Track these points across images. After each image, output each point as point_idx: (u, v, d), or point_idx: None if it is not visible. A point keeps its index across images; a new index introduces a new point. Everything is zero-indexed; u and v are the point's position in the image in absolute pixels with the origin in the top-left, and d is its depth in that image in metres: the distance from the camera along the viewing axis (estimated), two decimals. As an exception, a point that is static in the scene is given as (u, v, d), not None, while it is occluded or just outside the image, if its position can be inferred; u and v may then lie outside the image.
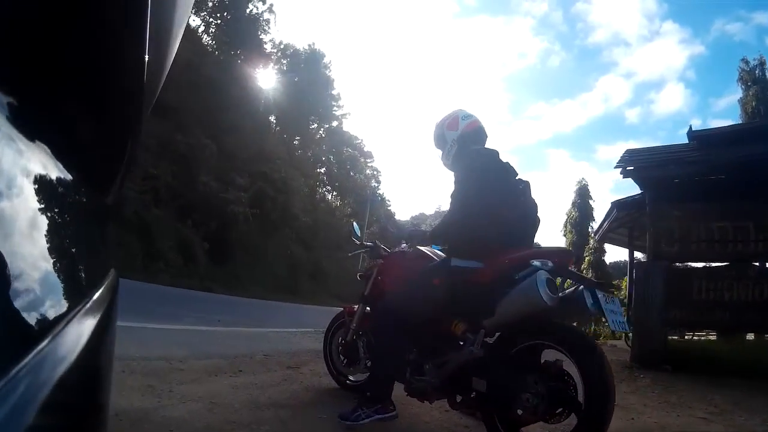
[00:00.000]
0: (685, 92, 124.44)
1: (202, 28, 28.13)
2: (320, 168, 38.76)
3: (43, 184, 0.33)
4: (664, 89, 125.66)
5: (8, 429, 0.22)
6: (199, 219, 16.51)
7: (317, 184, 36.58)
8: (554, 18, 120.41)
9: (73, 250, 0.39)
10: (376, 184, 47.40)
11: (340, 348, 2.99)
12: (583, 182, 24.59)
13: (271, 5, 29.38)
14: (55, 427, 0.28)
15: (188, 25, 25.47)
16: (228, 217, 17.81)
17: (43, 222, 0.31)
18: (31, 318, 0.27)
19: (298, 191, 25.41)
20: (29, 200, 0.30)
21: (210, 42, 28.10)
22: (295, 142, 29.97)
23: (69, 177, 0.38)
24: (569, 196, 25.32)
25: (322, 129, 38.85)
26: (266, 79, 29.75)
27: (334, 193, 42.85)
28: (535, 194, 2.35)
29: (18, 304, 0.26)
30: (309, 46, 35.07)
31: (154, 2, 0.35)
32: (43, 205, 0.32)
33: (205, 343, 4.12)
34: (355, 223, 3.10)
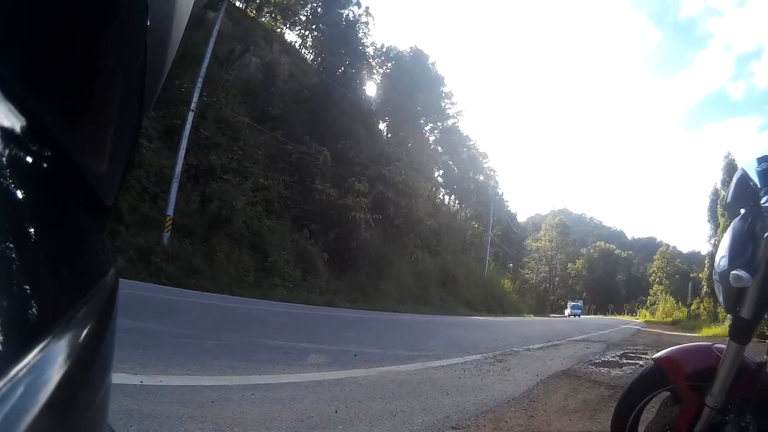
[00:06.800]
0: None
1: (299, 42, 28.14)
2: (437, 170, 36.54)
3: (41, 184, 0.33)
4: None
5: (8, 429, 0.22)
6: (316, 229, 15.17)
7: (435, 187, 34.44)
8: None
9: (73, 250, 0.37)
10: (495, 184, 44.17)
11: None
12: (730, 157, 19.46)
13: (367, 8, 28.08)
14: (55, 428, 0.28)
15: (285, 40, 25.66)
16: (348, 225, 16.25)
17: (42, 222, 0.32)
18: (31, 318, 0.27)
19: (420, 194, 23.42)
20: (27, 199, 0.30)
21: (309, 53, 27.88)
22: (410, 145, 28.15)
23: (68, 177, 0.37)
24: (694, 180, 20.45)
25: (436, 130, 36.60)
26: (372, 82, 28.65)
27: (452, 196, 40.47)
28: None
29: (17, 304, 0.26)
30: (411, 48, 33.01)
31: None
32: (41, 205, 0.32)
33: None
34: None
